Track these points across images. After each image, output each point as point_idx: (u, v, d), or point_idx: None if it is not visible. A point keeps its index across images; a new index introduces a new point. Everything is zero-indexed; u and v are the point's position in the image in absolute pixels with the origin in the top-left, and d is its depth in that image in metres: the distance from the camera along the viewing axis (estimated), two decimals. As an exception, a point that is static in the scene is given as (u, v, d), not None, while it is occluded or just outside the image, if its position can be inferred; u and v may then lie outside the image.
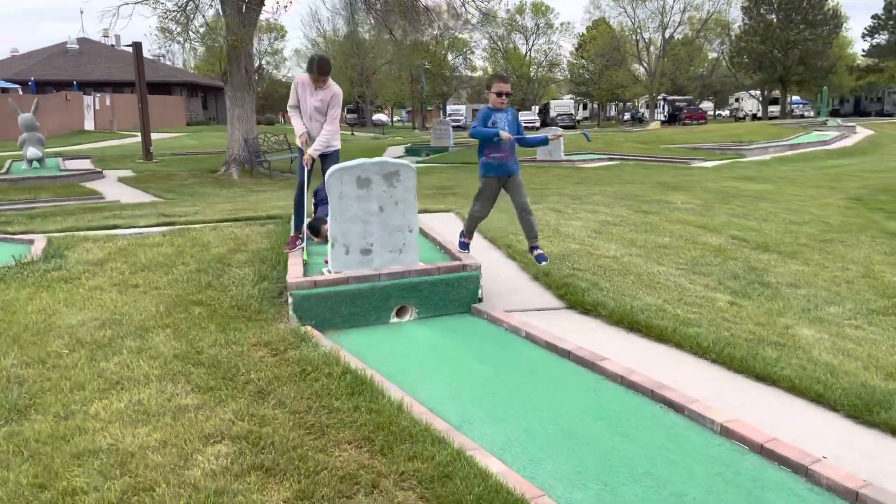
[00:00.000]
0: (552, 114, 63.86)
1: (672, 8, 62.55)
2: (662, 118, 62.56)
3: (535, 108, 70.25)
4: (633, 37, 64.72)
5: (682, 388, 3.84)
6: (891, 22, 64.02)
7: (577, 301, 5.40)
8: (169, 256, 6.47)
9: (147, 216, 9.14)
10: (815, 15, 60.00)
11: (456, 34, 67.33)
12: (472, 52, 68.05)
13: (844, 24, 62.61)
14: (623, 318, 5.00)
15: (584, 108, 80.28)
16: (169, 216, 9.22)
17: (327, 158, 5.94)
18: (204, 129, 41.12)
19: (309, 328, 4.62)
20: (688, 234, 8.15)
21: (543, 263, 5.71)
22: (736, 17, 64.25)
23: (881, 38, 65.35)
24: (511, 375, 4.13)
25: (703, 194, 11.68)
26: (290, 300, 4.76)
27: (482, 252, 6.70)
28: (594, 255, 6.84)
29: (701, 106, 67.65)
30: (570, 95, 79.19)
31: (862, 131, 26.12)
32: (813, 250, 7.61)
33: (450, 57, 66.72)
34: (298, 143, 6.01)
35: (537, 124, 60.92)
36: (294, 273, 5.06)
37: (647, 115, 64.96)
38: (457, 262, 5.29)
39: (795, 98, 67.77)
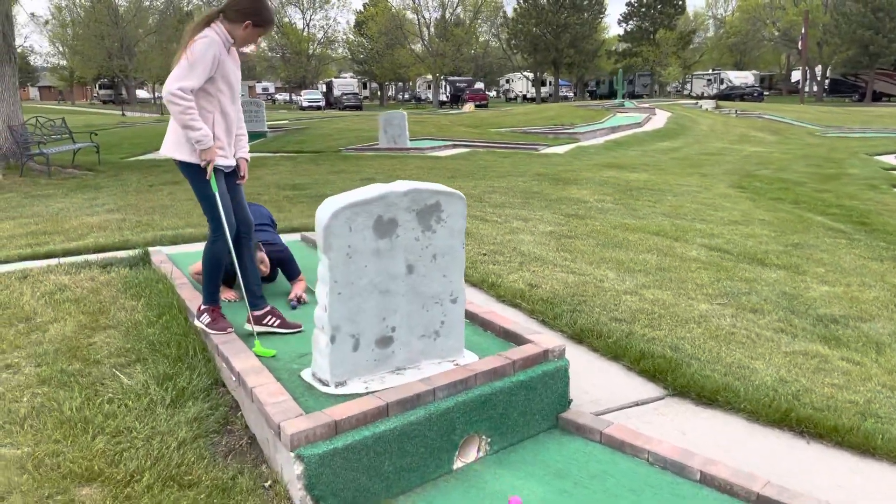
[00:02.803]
0: (336, 93, 61.35)
1: (450, -12, 62.89)
2: (445, 99, 62.74)
3: (322, 87, 67.14)
4: (414, 16, 64.09)
5: None
6: (642, 9, 69.80)
7: (683, 384, 3.64)
8: (-33, 350, 3.69)
9: None
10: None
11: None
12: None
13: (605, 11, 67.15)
14: (784, 413, 3.34)
15: (364, 87, 78.65)
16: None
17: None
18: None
19: (352, 526, 2.39)
20: (656, 246, 6.76)
21: None
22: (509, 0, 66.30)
23: (633, 25, 71.10)
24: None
25: (600, 188, 10.49)
26: (298, 469, 2.47)
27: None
28: (606, 291, 5.13)
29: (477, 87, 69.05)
30: (350, 74, 77.02)
31: (661, 113, 27.21)
32: (805, 260, 6.55)
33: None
34: (204, 159, 3.30)
35: (322, 104, 58.10)
36: (280, 404, 2.73)
37: (430, 96, 64.72)
38: (532, 348, 3.26)
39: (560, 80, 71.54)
